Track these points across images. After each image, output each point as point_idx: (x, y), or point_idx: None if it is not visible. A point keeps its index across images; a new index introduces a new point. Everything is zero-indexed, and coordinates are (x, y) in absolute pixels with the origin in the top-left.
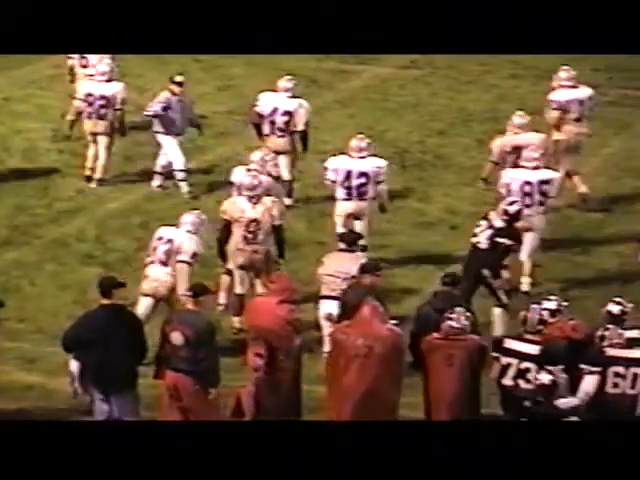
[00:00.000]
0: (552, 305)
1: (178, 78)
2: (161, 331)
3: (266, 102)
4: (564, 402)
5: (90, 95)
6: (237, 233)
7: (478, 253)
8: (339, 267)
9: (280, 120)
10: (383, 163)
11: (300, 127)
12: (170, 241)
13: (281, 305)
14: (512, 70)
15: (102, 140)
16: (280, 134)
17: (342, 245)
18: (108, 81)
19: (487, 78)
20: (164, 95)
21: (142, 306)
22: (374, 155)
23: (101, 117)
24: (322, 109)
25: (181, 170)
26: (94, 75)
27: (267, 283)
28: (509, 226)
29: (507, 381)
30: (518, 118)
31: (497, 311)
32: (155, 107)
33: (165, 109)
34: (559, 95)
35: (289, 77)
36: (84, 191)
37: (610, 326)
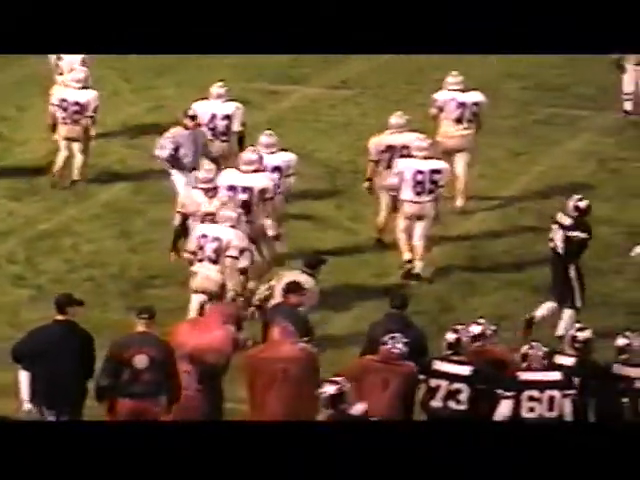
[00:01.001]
0: (478, 329)
1: (191, 112)
2: (113, 359)
3: (203, 110)
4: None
5: (64, 101)
6: (193, 226)
7: (557, 257)
8: None
9: (221, 124)
10: (292, 156)
11: (238, 128)
12: (217, 239)
13: (224, 326)
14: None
15: (77, 145)
16: (224, 139)
17: (304, 268)
18: (82, 88)
19: (416, 97)
20: (175, 131)
21: (195, 302)
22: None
23: (75, 122)
24: (253, 129)
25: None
26: (69, 82)
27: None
28: (580, 221)
29: (436, 403)
30: (395, 118)
31: (568, 312)
32: (165, 150)
33: (176, 149)
34: (440, 95)
35: (220, 83)
36: (13, 213)
37: (534, 344)
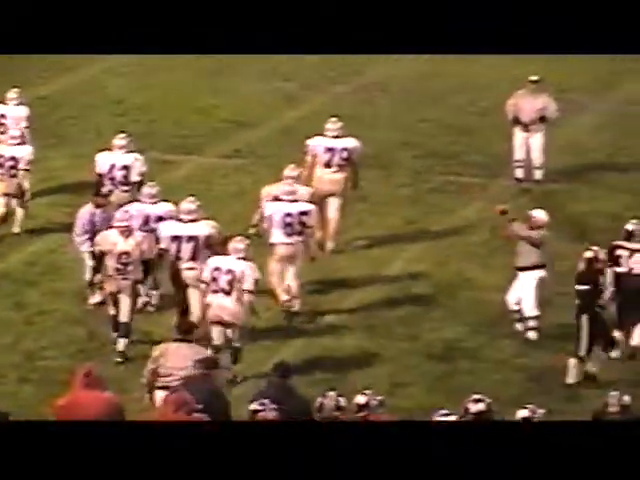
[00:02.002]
0: (362, 400)
1: (103, 191)
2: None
3: (103, 161)
4: None
5: (1, 157)
6: (109, 264)
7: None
8: (177, 362)
9: (119, 174)
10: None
11: (136, 178)
12: (231, 271)
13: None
14: None
15: (15, 201)
16: (124, 188)
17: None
18: (19, 144)
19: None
20: (87, 211)
21: (216, 335)
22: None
23: (12, 177)
24: None
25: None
26: (7, 139)
27: None
28: (584, 274)
29: None
30: (289, 170)
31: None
32: (81, 235)
33: (91, 225)
34: (312, 141)
35: (122, 135)
36: None
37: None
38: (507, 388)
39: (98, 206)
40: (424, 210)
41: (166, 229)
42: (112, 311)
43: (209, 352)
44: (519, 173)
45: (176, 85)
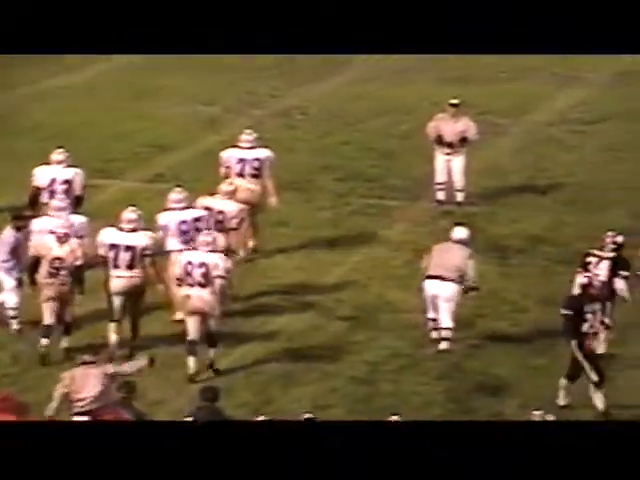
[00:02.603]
0: None
1: (26, 212)
2: None
3: (42, 175)
4: None
5: None
6: (44, 268)
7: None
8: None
9: (60, 188)
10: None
11: (78, 192)
12: (204, 264)
13: None
14: None
15: None
16: (61, 204)
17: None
18: None
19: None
20: (8, 235)
21: (192, 326)
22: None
23: None
24: None
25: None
26: None
27: None
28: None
29: None
30: (225, 186)
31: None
32: (7, 261)
33: (14, 250)
34: (225, 153)
35: (61, 150)
36: None
37: None
38: (429, 409)
39: (18, 229)
40: (345, 233)
41: (105, 237)
42: (48, 320)
43: (118, 369)
44: (440, 195)
45: (98, 110)
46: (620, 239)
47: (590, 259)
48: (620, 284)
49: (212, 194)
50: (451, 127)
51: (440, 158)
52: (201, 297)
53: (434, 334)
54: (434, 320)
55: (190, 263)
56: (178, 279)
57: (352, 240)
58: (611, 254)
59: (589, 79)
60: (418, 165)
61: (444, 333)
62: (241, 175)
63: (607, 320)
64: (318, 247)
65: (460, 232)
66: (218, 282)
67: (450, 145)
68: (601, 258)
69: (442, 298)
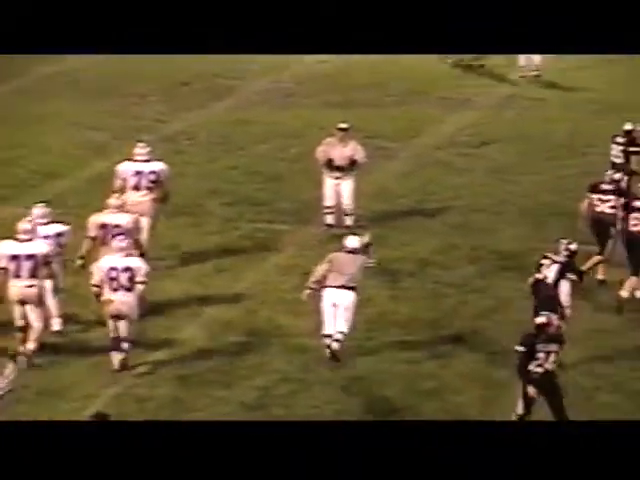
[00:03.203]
0: None
1: None
2: None
3: None
4: None
5: None
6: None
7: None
8: None
9: None
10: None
11: None
12: (129, 269)
13: None
14: None
15: None
16: None
17: None
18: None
19: None
20: None
21: (114, 327)
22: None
23: None
24: None
25: None
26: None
27: None
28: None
29: None
30: (114, 200)
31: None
32: None
33: None
34: (121, 166)
35: None
36: None
37: None
38: None
39: None
40: (234, 257)
41: (4, 249)
42: None
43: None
44: (329, 219)
45: None
46: (574, 247)
47: (543, 261)
48: (565, 287)
49: (101, 210)
50: (340, 151)
51: (329, 182)
52: (123, 301)
53: (327, 340)
54: (329, 335)
55: (114, 268)
56: (97, 286)
57: (241, 265)
58: (563, 259)
59: (477, 102)
60: (306, 189)
61: (337, 335)
62: (137, 188)
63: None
64: (207, 272)
65: (352, 241)
66: (139, 287)
67: (339, 169)
68: (553, 261)
69: (341, 306)
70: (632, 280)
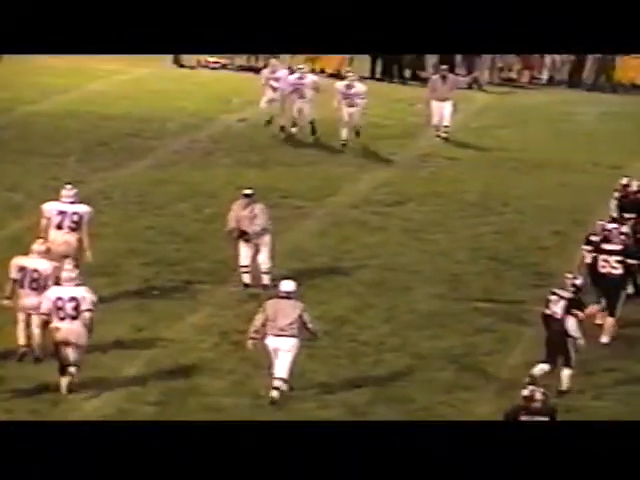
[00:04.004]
0: None
1: None
2: None
3: None
4: None
5: None
6: None
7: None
8: None
9: None
10: None
11: None
12: (74, 298)
13: None
14: None
15: None
16: None
17: None
18: None
19: None
20: None
21: (63, 354)
22: None
23: None
24: None
25: None
26: None
27: None
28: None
29: None
30: (37, 245)
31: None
32: None
33: None
34: (46, 206)
35: None
36: None
37: None
38: None
39: None
40: (153, 317)
41: None
42: None
43: None
44: (246, 279)
45: None
46: (579, 282)
47: (551, 297)
48: (571, 322)
49: (25, 254)
50: (247, 218)
51: (244, 243)
52: (71, 329)
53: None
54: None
55: (60, 298)
56: (46, 314)
57: (159, 324)
58: (569, 294)
59: (392, 161)
60: (223, 249)
61: (276, 382)
62: (60, 227)
63: None
64: (125, 333)
65: (287, 285)
66: (87, 315)
67: (251, 232)
68: (560, 297)
69: (282, 350)
70: (609, 322)
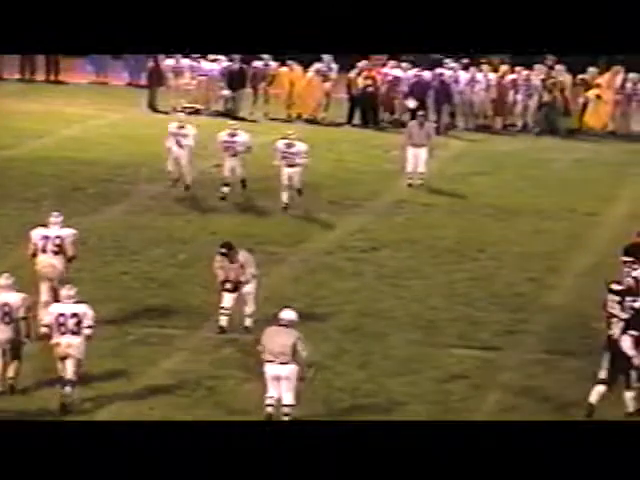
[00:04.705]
0: None
1: None
2: None
3: None
4: None
5: None
6: None
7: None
8: None
9: None
10: None
11: None
12: (75, 315)
13: None
14: None
15: None
16: None
17: None
18: None
19: None
20: None
21: (66, 368)
22: None
23: None
24: None
25: None
26: None
27: None
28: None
29: None
30: (3, 280)
31: (628, 394)
32: None
33: None
34: (33, 231)
35: None
36: None
37: None
38: None
39: None
40: (127, 362)
41: None
42: None
43: None
44: (224, 322)
45: None
46: (637, 305)
47: (612, 319)
48: (626, 341)
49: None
50: (233, 267)
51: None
52: (70, 343)
53: (269, 409)
54: (272, 398)
55: (62, 315)
56: (49, 327)
57: (133, 371)
58: (626, 316)
59: (366, 207)
60: (198, 294)
61: (286, 409)
62: (44, 251)
63: None
64: (99, 379)
65: (288, 314)
66: (88, 331)
67: (234, 280)
68: (619, 319)
69: (283, 377)
70: (628, 395)
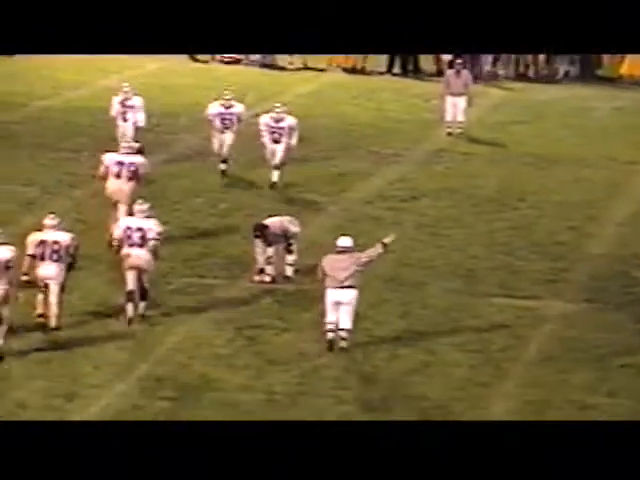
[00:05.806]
0: None
1: None
2: None
3: None
4: None
5: None
6: None
7: None
8: None
9: None
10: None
11: None
12: (140, 229)
13: None
14: None
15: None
16: None
17: None
18: None
19: None
20: None
21: (130, 280)
22: None
23: None
24: None
25: None
26: None
27: None
28: None
29: None
30: (49, 220)
31: None
32: None
33: None
34: (106, 155)
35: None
36: None
37: None
38: None
39: None
40: (167, 312)
41: None
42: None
43: None
44: (270, 270)
45: None
46: None
47: None
48: None
49: (39, 230)
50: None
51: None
52: (138, 255)
53: (330, 335)
54: (332, 323)
55: (129, 228)
56: (119, 240)
57: (173, 319)
58: None
59: (406, 156)
60: (238, 243)
61: (343, 334)
62: (118, 176)
63: None
64: (140, 326)
65: (345, 241)
66: (152, 243)
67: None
68: None
69: (343, 303)
70: None
